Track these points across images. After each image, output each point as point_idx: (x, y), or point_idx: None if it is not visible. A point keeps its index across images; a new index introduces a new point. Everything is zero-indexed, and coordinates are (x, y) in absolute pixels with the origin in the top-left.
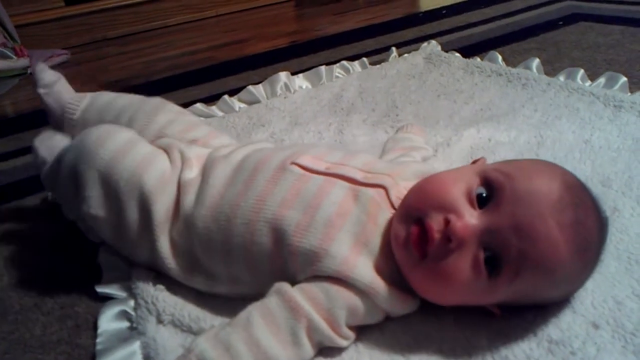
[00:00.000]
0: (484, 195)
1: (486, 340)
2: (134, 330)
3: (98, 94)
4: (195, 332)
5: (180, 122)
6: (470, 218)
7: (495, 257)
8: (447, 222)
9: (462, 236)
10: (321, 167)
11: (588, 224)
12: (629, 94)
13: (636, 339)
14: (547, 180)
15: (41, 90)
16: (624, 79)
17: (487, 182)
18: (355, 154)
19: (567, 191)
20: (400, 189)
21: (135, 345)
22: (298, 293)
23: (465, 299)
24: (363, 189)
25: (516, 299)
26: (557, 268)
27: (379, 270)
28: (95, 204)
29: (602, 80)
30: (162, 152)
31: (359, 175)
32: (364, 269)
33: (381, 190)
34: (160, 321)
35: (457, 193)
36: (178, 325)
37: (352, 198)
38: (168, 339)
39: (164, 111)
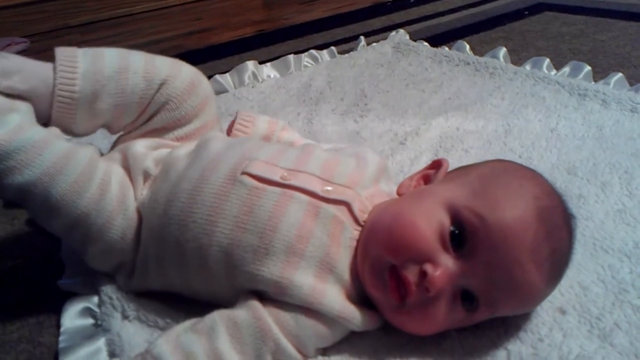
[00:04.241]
0: (456, 232)
1: (455, 330)
2: (99, 327)
3: (97, 54)
4: (162, 328)
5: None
6: (446, 263)
7: (473, 295)
8: (423, 273)
9: (440, 287)
10: (276, 175)
11: (562, 247)
12: (593, 82)
13: (601, 323)
14: (521, 214)
15: (5, 83)
16: (588, 68)
17: (458, 221)
18: (310, 151)
19: (541, 222)
20: (362, 201)
21: (100, 342)
22: (268, 315)
23: (444, 329)
24: (324, 205)
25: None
26: (534, 299)
27: (348, 294)
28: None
29: (567, 69)
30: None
31: (318, 188)
32: (333, 298)
33: (343, 207)
34: (125, 317)
35: (430, 238)
36: (144, 320)
37: (312, 216)
38: (134, 335)
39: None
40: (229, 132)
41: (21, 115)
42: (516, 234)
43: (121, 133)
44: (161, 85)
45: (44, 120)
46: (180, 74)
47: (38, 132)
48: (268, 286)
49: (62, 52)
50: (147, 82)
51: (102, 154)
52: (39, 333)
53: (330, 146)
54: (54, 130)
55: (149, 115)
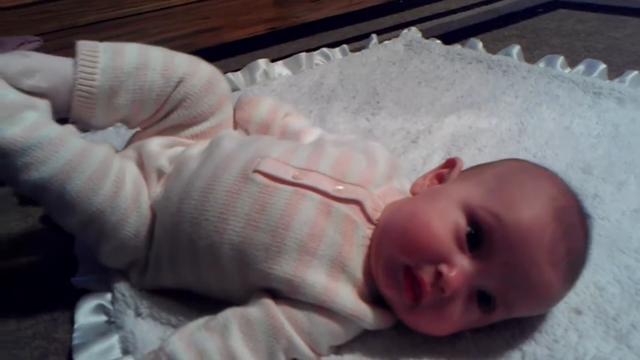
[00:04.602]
0: (473, 232)
1: (469, 330)
2: (112, 324)
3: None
4: (175, 325)
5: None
6: (462, 263)
7: (488, 296)
8: (439, 273)
9: (456, 287)
10: (288, 174)
11: (578, 247)
12: (608, 80)
13: (617, 324)
14: (537, 214)
15: (29, 82)
16: (603, 65)
17: (474, 222)
18: (323, 149)
19: (558, 222)
20: (374, 199)
21: (114, 339)
22: (281, 313)
23: (458, 329)
24: (336, 204)
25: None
26: (550, 300)
27: (360, 293)
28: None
29: (581, 67)
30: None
31: (329, 188)
32: (345, 296)
33: (355, 206)
34: (138, 314)
35: (445, 238)
36: (157, 318)
37: (324, 215)
38: (147, 333)
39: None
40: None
41: (38, 113)
42: (533, 235)
43: (137, 130)
44: (179, 82)
45: (64, 114)
46: (198, 72)
47: (54, 129)
48: (280, 284)
49: (84, 46)
50: (165, 80)
51: (116, 151)
52: (54, 329)
53: (335, 137)
54: (69, 128)
55: (166, 112)
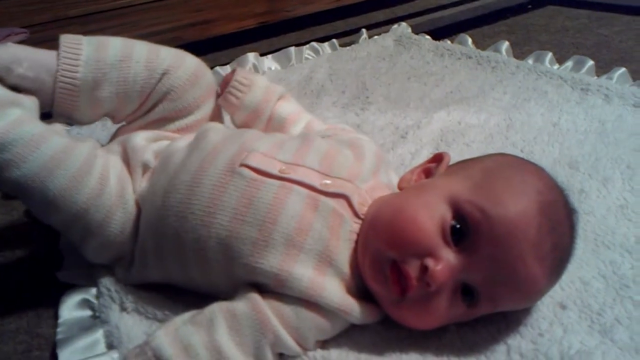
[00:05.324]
0: (458, 226)
1: (454, 324)
2: (97, 319)
3: (101, 43)
4: (160, 320)
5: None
6: (448, 257)
7: (473, 290)
8: (424, 267)
9: (442, 281)
10: (274, 169)
11: (564, 242)
12: (596, 77)
13: (602, 318)
14: (523, 208)
15: (19, 70)
16: (591, 62)
17: (460, 216)
18: (311, 143)
19: (544, 216)
20: (362, 194)
21: (98, 334)
22: (268, 307)
23: (444, 323)
24: (323, 199)
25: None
26: (535, 294)
27: (347, 287)
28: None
29: (569, 63)
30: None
31: (316, 182)
32: (333, 291)
33: (342, 201)
34: (123, 309)
35: (431, 232)
36: (142, 312)
37: (312, 209)
38: (132, 327)
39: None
40: (222, 90)
41: (23, 110)
42: (519, 229)
43: (122, 123)
44: (163, 75)
45: (48, 108)
46: (183, 65)
47: (37, 126)
48: (267, 278)
49: (67, 39)
50: (149, 72)
51: (101, 146)
52: (37, 324)
53: (324, 128)
54: (54, 127)
55: (150, 105)
